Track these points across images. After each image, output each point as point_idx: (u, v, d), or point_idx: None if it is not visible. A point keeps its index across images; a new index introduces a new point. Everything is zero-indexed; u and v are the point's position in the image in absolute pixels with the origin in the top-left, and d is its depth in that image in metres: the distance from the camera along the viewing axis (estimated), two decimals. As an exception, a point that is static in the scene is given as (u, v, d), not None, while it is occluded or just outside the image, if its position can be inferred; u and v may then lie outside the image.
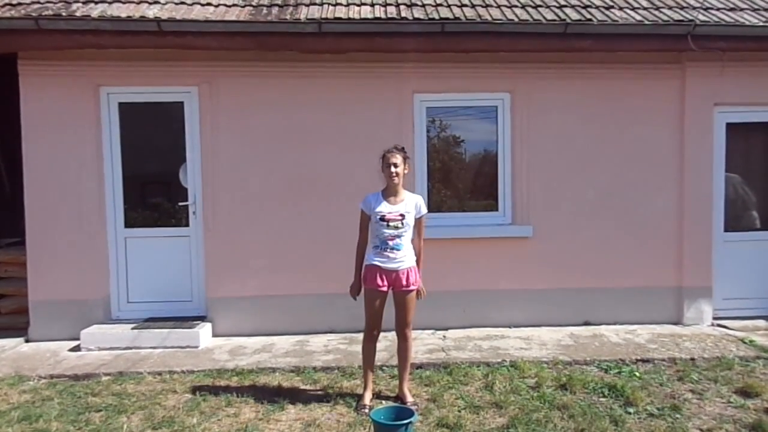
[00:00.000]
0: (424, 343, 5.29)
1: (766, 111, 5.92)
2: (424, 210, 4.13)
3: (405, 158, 4.07)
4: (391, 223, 3.96)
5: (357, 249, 4.13)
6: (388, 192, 4.05)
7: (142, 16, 5.12)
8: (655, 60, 5.73)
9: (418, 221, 4.08)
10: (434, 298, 5.50)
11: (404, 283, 4.00)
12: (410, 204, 4.04)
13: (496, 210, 5.93)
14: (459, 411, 3.98)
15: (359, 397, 4.15)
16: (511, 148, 5.84)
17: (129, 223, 5.81)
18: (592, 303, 5.84)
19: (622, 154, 5.82)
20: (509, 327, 5.78)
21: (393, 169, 3.97)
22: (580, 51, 5.53)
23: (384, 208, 3.99)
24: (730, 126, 5.91)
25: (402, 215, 3.98)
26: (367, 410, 3.90)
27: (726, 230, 5.97)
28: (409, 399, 4.10)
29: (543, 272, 5.81)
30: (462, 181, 6.11)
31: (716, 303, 5.92)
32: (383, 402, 4.09)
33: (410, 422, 3.42)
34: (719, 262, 5.93)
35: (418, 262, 4.12)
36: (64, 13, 5.11)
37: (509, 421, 3.81)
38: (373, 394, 4.19)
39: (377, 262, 4.00)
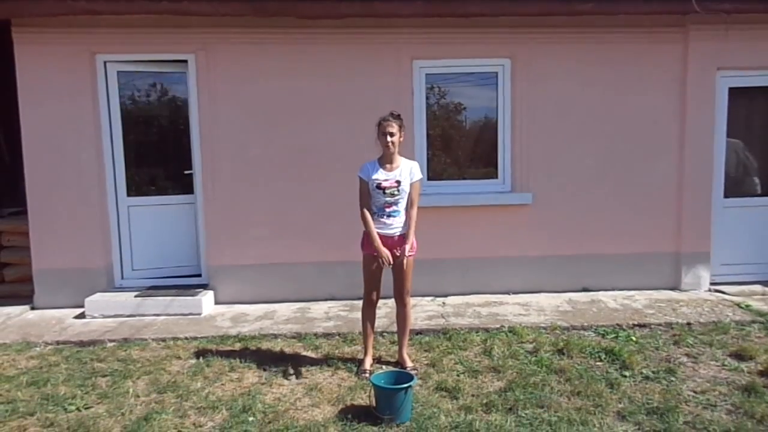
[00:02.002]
0: (423, 310, 5.36)
1: (770, 75, 5.86)
2: (419, 175, 4.10)
3: (401, 126, 4.03)
4: (387, 191, 3.97)
5: (363, 216, 4.02)
6: (384, 159, 4.05)
7: (136, -18, 5.04)
8: (657, 23, 5.63)
9: (412, 186, 4.06)
10: (434, 265, 5.58)
11: (401, 247, 4.03)
12: (405, 170, 4.04)
13: (496, 177, 5.92)
14: (458, 375, 4.06)
15: (360, 362, 4.22)
16: (511, 115, 5.80)
17: (130, 192, 5.84)
18: (591, 269, 5.88)
19: (623, 120, 5.78)
20: (508, 293, 5.84)
21: (389, 138, 3.95)
22: (582, 14, 5.42)
23: (380, 175, 3.99)
24: (732, 90, 5.85)
25: (398, 182, 3.98)
26: (367, 375, 3.97)
27: (726, 196, 5.97)
28: (409, 364, 4.17)
29: (542, 239, 5.84)
30: (462, 148, 6.09)
31: (714, 268, 5.95)
32: (383, 367, 4.17)
33: (410, 386, 3.48)
34: (718, 228, 5.94)
35: (409, 222, 4.05)
36: (57, -22, 5.03)
37: (507, 385, 3.88)
38: (374, 359, 4.26)
39: (375, 229, 4.03)
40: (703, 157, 5.79)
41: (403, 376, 3.64)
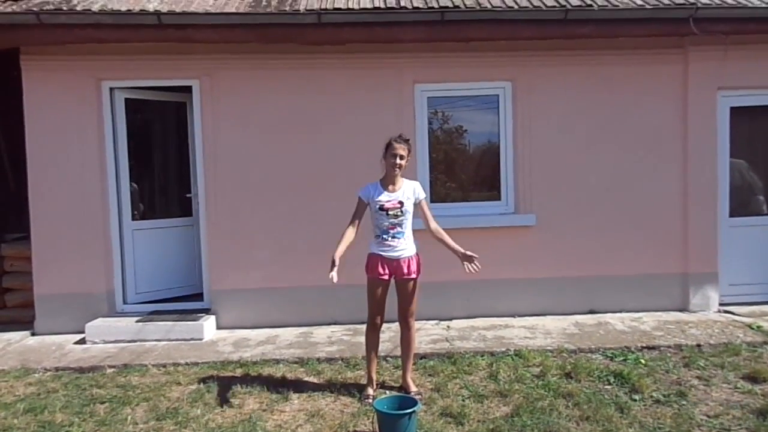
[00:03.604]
0: (427, 334, 5.28)
1: (770, 95, 5.86)
2: (422, 194, 4.10)
3: (409, 150, 4.06)
4: (390, 212, 3.95)
5: (344, 230, 3.99)
6: (387, 181, 4.04)
7: (142, 10, 5.13)
8: (657, 45, 5.67)
9: (419, 206, 4.06)
10: (438, 288, 5.52)
11: (405, 271, 3.99)
12: (408, 190, 4.03)
13: (499, 199, 5.90)
14: (463, 400, 3.98)
15: (363, 388, 4.15)
16: (513, 137, 5.80)
17: (134, 216, 5.86)
18: (597, 291, 5.81)
19: (625, 141, 5.77)
20: (513, 316, 5.76)
21: (398, 160, 3.96)
22: (581, 38, 5.48)
23: (383, 197, 3.97)
24: (734, 110, 5.85)
25: (401, 203, 3.97)
26: (370, 400, 3.89)
27: (731, 215, 5.91)
28: (413, 388, 4.09)
29: (547, 260, 5.78)
30: (464, 171, 6.08)
31: (722, 289, 5.87)
32: (387, 392, 4.08)
33: (413, 411, 3.41)
34: (725, 248, 5.87)
35: (447, 242, 4.02)
36: (65, 8, 5.13)
37: (514, 410, 3.79)
38: (377, 385, 4.18)
39: (379, 251, 4.00)
40: (706, 176, 5.77)
41: (407, 401, 3.56)
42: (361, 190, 4.07)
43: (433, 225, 4.07)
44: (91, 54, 5.45)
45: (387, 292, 4.03)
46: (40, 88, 5.51)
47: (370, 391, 4.08)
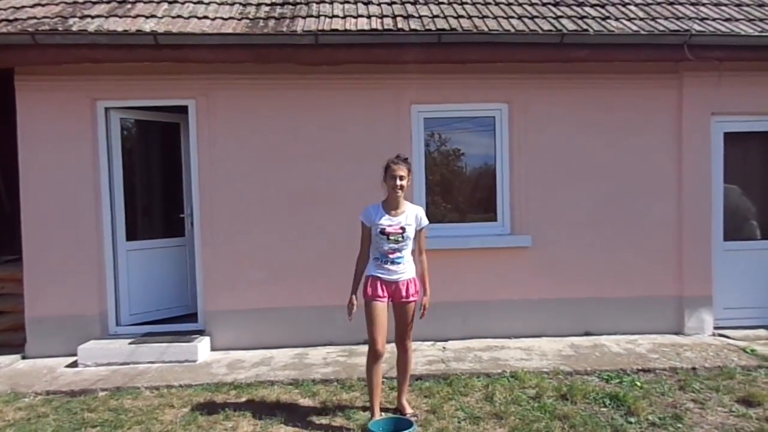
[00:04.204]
0: (423, 355, 5.25)
1: (764, 120, 5.92)
2: (425, 221, 4.03)
3: (409, 170, 3.95)
4: (391, 237, 3.87)
5: (357, 263, 4.00)
6: (389, 204, 3.95)
7: (138, 30, 5.14)
8: (652, 70, 5.75)
9: (419, 233, 4.00)
10: (434, 309, 5.43)
11: (404, 294, 3.94)
12: (411, 216, 3.95)
13: (495, 220, 5.91)
14: (459, 422, 3.95)
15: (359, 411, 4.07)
16: (509, 158, 5.84)
17: (128, 237, 5.82)
18: (593, 313, 5.81)
19: (621, 164, 5.82)
20: (509, 338, 5.74)
21: (399, 181, 3.85)
22: (577, 61, 5.55)
23: (384, 221, 3.89)
24: (727, 135, 5.92)
25: (403, 228, 3.89)
26: None
27: (725, 239, 5.95)
28: (408, 410, 4.05)
29: (543, 282, 5.79)
30: (461, 192, 6.09)
31: (717, 312, 5.89)
32: (382, 414, 4.02)
33: None
34: (719, 272, 5.90)
35: (423, 278, 4.00)
36: (60, 28, 5.13)
37: (510, 432, 3.77)
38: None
39: (377, 273, 3.93)
40: (701, 200, 5.81)
41: (402, 423, 3.52)
42: (363, 214, 3.97)
43: (423, 257, 4.03)
44: (87, 74, 5.45)
45: (387, 315, 3.94)
46: (34, 108, 5.50)
47: None
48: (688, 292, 5.80)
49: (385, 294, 3.92)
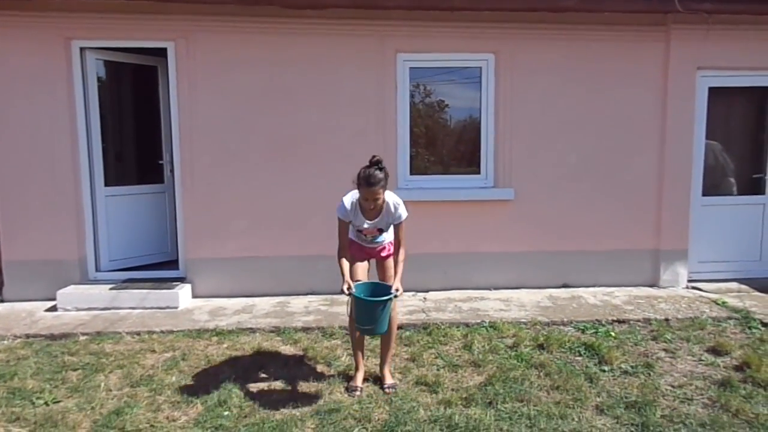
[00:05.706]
0: (404, 305, 5.31)
1: (748, 75, 5.91)
2: (404, 215, 3.72)
3: (386, 182, 3.56)
4: (368, 236, 3.80)
5: (338, 255, 3.71)
6: (366, 211, 3.67)
7: (114, -34, 4.92)
8: (640, 22, 5.67)
9: (397, 227, 3.74)
10: (416, 260, 5.52)
11: (384, 254, 3.87)
12: (388, 214, 3.70)
13: (479, 173, 5.90)
14: (438, 370, 4.03)
15: (350, 378, 3.87)
16: (494, 110, 5.78)
17: (106, 182, 5.72)
18: (572, 266, 5.90)
19: (605, 118, 5.80)
20: (490, 289, 5.83)
21: (372, 205, 3.57)
22: (565, 11, 5.44)
23: (360, 222, 3.71)
24: (712, 90, 5.91)
25: (380, 229, 3.78)
26: (358, 393, 3.67)
27: (704, 195, 6.03)
28: (389, 381, 3.81)
29: (524, 235, 5.84)
30: (445, 145, 6.05)
31: (692, 266, 6.02)
32: (366, 365, 4.08)
33: (390, 299, 3.50)
34: (696, 226, 6.01)
35: (396, 267, 3.73)
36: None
37: (487, 379, 3.86)
38: (365, 378, 3.87)
39: (357, 240, 3.85)
40: (682, 155, 5.84)
41: (380, 288, 3.62)
42: (339, 209, 3.70)
43: (398, 256, 3.73)
44: (60, 11, 5.22)
45: (366, 267, 3.87)
46: (5, 47, 5.28)
47: (359, 382, 3.77)
48: (664, 245, 5.91)
49: (364, 255, 3.88)
